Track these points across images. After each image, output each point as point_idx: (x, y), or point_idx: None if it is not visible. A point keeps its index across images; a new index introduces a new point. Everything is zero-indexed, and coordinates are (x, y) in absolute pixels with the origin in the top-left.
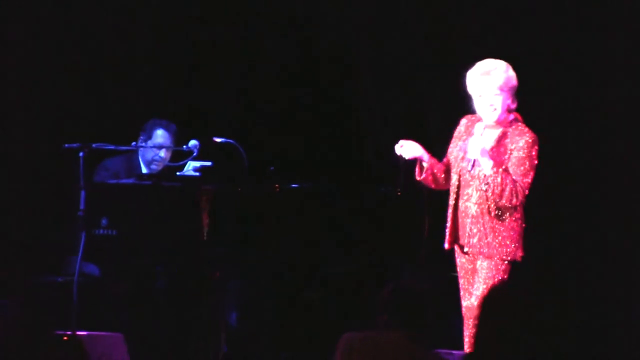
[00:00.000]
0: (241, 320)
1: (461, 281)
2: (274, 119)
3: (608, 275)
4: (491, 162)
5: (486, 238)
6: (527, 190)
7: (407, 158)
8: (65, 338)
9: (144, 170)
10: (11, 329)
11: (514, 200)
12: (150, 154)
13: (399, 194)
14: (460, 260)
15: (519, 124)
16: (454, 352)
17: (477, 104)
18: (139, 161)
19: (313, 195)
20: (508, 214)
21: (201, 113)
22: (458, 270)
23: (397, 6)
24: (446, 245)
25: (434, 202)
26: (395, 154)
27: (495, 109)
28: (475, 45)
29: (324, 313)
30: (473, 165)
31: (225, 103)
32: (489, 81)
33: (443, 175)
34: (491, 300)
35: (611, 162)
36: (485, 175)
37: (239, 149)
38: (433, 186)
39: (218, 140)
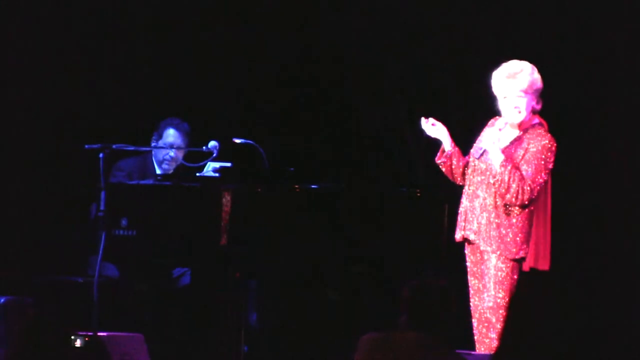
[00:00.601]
0: (261, 320)
1: (470, 280)
2: (286, 120)
3: (610, 277)
4: (502, 156)
5: (491, 232)
6: (535, 191)
7: (429, 135)
8: (86, 339)
9: (157, 170)
10: (33, 329)
11: (520, 197)
12: (161, 154)
13: (418, 194)
14: (469, 257)
15: (542, 128)
16: (472, 352)
17: (502, 105)
18: (152, 162)
19: (332, 195)
20: (515, 211)
21: (208, 114)
22: (468, 269)
23: (397, 9)
24: (457, 236)
25: (453, 201)
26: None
27: (520, 111)
28: (478, 45)
29: (344, 312)
30: (481, 155)
31: (229, 104)
32: (514, 84)
33: (460, 170)
34: (510, 306)
35: (611, 163)
36: (494, 169)
37: (259, 149)
38: (450, 177)
39: (238, 141)
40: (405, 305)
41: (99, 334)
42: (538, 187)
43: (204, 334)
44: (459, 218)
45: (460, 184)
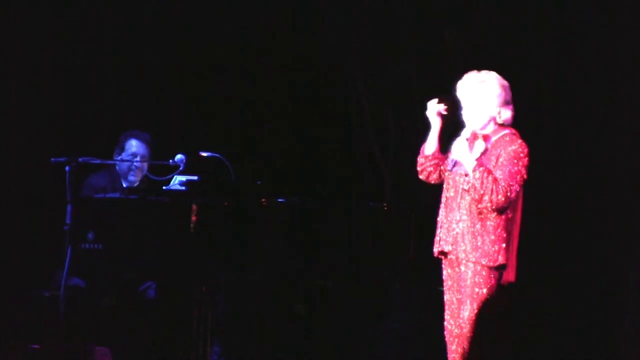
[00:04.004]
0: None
1: (446, 296)
2: (255, 134)
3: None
4: (474, 163)
5: (467, 241)
6: (512, 194)
7: (428, 113)
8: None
9: (124, 184)
10: None
11: (495, 201)
12: (126, 165)
13: (385, 208)
14: (446, 271)
15: (512, 136)
16: None
17: (463, 112)
18: (119, 176)
19: (300, 209)
20: (491, 218)
21: (174, 128)
22: (444, 283)
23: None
24: (434, 251)
25: (420, 216)
26: None
27: (477, 118)
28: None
29: (310, 326)
30: (454, 165)
31: (196, 117)
32: (474, 90)
33: (433, 168)
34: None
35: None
36: (467, 175)
37: (225, 162)
38: (425, 174)
39: (204, 154)
40: None
41: (64, 346)
42: (514, 191)
43: (171, 348)
44: (436, 232)
45: (433, 182)
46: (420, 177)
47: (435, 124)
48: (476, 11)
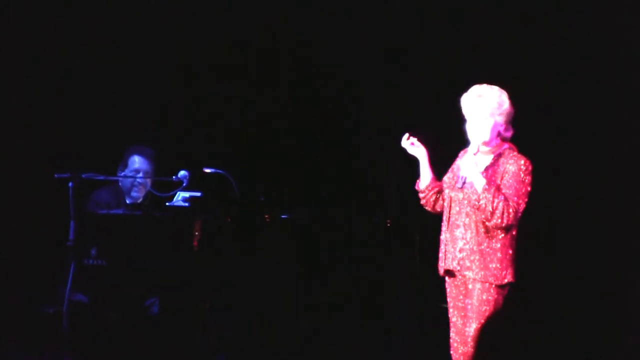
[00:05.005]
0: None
1: (451, 315)
2: (258, 150)
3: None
4: (484, 181)
5: (474, 260)
6: (519, 213)
7: (409, 152)
8: None
9: (127, 200)
10: None
11: (505, 219)
12: (129, 181)
13: (389, 224)
14: (451, 290)
15: (513, 152)
16: None
17: (468, 126)
18: (122, 192)
19: (303, 225)
20: (498, 236)
21: (189, 143)
22: (448, 301)
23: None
24: (440, 271)
25: (424, 232)
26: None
27: (483, 132)
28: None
29: (314, 343)
30: (464, 183)
31: (199, 133)
32: (480, 104)
33: (436, 196)
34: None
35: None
36: (477, 193)
37: (229, 179)
38: (426, 205)
39: (208, 170)
40: None
41: None
42: (521, 209)
43: None
44: (440, 252)
45: (431, 210)
46: (427, 209)
47: (421, 156)
48: (476, 11)
